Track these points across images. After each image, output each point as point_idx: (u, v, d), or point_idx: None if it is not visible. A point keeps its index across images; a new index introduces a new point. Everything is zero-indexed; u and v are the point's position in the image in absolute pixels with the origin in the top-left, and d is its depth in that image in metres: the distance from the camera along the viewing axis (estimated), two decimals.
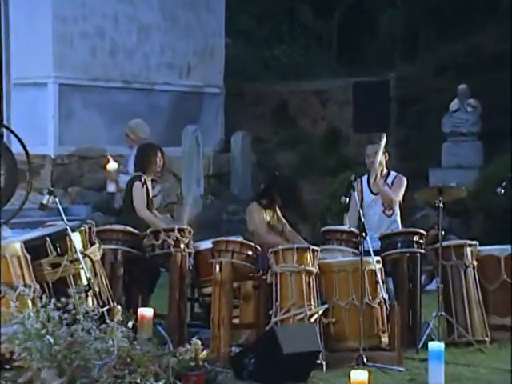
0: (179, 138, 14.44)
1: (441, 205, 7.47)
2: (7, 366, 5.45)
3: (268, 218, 7.41)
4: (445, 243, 7.57)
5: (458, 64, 15.76)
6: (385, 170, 8.00)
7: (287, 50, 19.99)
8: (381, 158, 7.90)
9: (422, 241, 7.55)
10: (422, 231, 7.62)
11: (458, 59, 15.85)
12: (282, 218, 7.54)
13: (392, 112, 15.25)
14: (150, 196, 7.82)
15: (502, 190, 7.87)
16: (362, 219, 6.81)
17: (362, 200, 7.82)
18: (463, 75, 15.08)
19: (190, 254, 7.28)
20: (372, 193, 7.93)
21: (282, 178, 7.66)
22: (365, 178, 8.03)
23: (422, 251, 7.55)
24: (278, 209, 7.52)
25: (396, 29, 20.74)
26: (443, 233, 7.47)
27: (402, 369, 6.57)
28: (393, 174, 8.04)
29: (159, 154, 7.90)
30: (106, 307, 6.25)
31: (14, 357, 5.23)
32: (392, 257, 7.50)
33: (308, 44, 20.60)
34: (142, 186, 7.67)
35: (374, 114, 14.14)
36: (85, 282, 6.21)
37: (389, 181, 7.96)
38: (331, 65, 20.36)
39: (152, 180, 7.93)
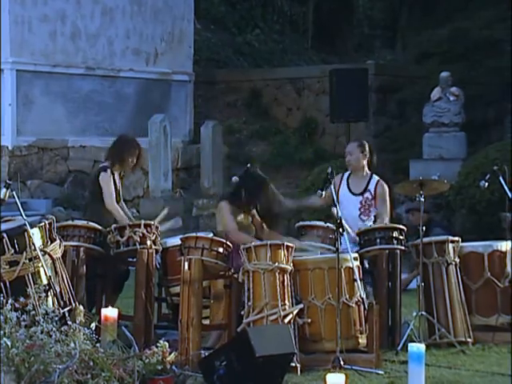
0: (146, 128, 14.41)
1: (422, 199, 7.51)
2: None
3: (239, 219, 7.15)
4: (426, 239, 7.60)
5: (440, 51, 15.84)
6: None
7: (261, 36, 19.99)
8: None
9: (401, 237, 7.57)
10: (401, 227, 7.65)
11: (440, 45, 15.93)
12: (258, 218, 7.25)
13: (371, 101, 15.30)
14: (118, 188, 7.80)
15: (486, 184, 7.93)
16: (339, 214, 6.82)
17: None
18: (445, 62, 15.17)
19: (157, 251, 7.27)
20: (351, 193, 7.87)
21: (255, 176, 7.36)
22: (346, 174, 7.98)
23: (402, 248, 7.59)
24: (254, 210, 7.22)
25: (375, 13, 20.83)
26: (424, 229, 7.51)
27: (380, 371, 6.60)
28: (375, 178, 7.93)
29: (136, 152, 7.83)
30: (68, 308, 6.22)
31: None
32: (370, 254, 7.53)
33: (283, 29, 20.61)
34: (109, 176, 7.64)
35: (351, 103, 14.16)
36: (45, 281, 6.18)
37: (370, 187, 7.85)
38: (307, 51, 20.40)
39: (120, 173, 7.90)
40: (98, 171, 7.77)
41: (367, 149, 7.94)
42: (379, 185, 7.88)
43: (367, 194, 7.85)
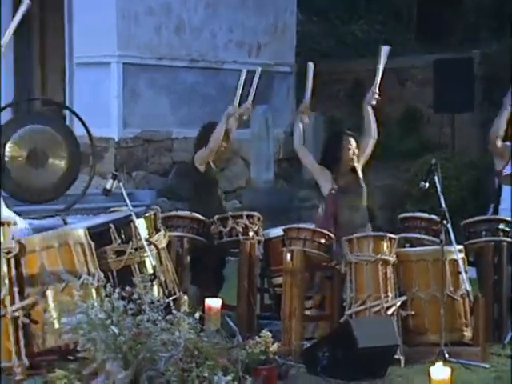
0: (248, 120, 14.44)
1: None
2: (71, 357, 5.56)
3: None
4: None
5: None
6: None
7: (364, 26, 19.81)
8: None
9: (508, 229, 7.43)
10: (508, 218, 7.49)
11: None
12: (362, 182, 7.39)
13: (476, 91, 14.99)
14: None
15: None
16: (443, 206, 6.72)
17: None
18: None
19: (259, 241, 7.30)
20: None
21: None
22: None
23: (509, 240, 7.43)
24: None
25: (484, 1, 20.36)
26: None
27: (486, 365, 6.49)
28: None
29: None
30: (172, 297, 6.31)
31: (78, 348, 5.31)
32: (476, 246, 7.40)
33: (386, 19, 20.38)
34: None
35: (456, 93, 13.91)
36: (150, 271, 6.29)
37: None
38: (410, 41, 20.13)
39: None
40: (191, 161, 7.77)
41: None
42: None
43: None
